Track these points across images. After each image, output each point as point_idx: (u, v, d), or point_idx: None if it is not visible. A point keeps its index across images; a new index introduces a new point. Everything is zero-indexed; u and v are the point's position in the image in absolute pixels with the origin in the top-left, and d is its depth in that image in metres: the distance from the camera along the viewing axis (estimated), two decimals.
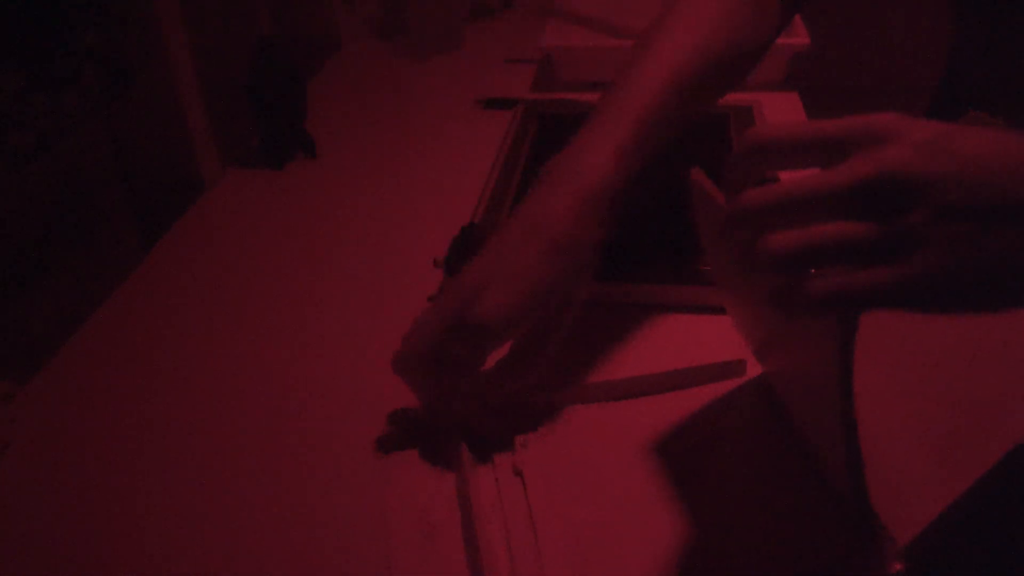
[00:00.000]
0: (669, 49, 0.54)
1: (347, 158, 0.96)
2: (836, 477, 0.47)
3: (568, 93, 1.04)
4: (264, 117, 0.92)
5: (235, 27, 0.97)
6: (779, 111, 0.96)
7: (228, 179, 0.93)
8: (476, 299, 0.48)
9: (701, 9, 0.57)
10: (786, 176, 0.37)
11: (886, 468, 0.45)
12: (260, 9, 0.99)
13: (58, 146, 0.69)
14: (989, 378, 0.53)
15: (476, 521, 0.48)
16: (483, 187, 0.82)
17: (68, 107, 0.70)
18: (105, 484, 0.56)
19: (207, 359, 0.65)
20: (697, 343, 0.62)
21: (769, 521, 0.48)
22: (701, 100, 0.57)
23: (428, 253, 0.72)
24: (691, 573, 0.46)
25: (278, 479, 0.55)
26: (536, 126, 0.92)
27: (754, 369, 0.59)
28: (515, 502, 0.51)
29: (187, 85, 0.88)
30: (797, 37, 1.00)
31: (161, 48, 0.84)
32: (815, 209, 0.33)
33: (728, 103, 0.97)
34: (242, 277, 0.76)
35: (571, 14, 1.16)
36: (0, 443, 0.59)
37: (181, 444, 0.58)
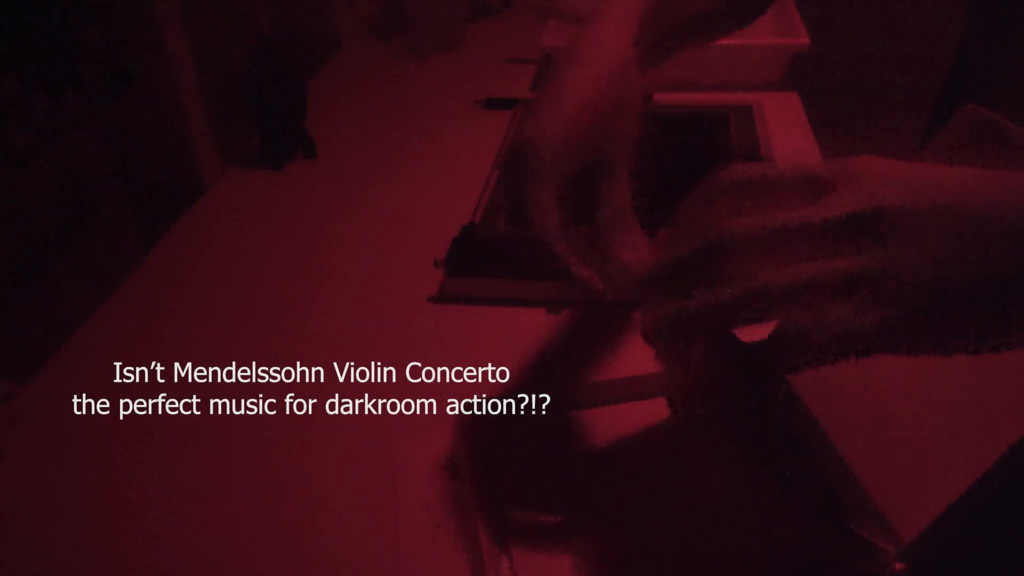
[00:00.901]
0: None
1: (347, 158, 0.96)
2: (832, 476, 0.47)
3: None
4: (264, 117, 0.92)
5: (235, 27, 0.97)
6: (779, 111, 0.96)
7: (228, 179, 0.93)
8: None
9: None
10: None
11: (887, 468, 0.45)
12: (260, 9, 0.99)
13: (58, 146, 0.69)
14: (989, 378, 0.53)
15: (478, 515, 0.48)
16: (483, 187, 0.82)
17: (68, 107, 0.71)
18: (105, 484, 0.56)
19: (208, 359, 0.65)
20: None
21: (769, 520, 0.48)
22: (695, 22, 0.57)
23: (428, 253, 0.72)
24: (690, 572, 0.46)
25: (281, 477, 0.55)
26: None
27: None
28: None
29: (187, 85, 0.88)
30: (797, 37, 1.00)
31: (161, 48, 0.84)
32: (805, 242, 0.33)
33: (728, 103, 0.97)
34: (242, 277, 0.76)
35: (571, 14, 1.16)
36: (0, 443, 0.59)
37: (182, 443, 0.58)
